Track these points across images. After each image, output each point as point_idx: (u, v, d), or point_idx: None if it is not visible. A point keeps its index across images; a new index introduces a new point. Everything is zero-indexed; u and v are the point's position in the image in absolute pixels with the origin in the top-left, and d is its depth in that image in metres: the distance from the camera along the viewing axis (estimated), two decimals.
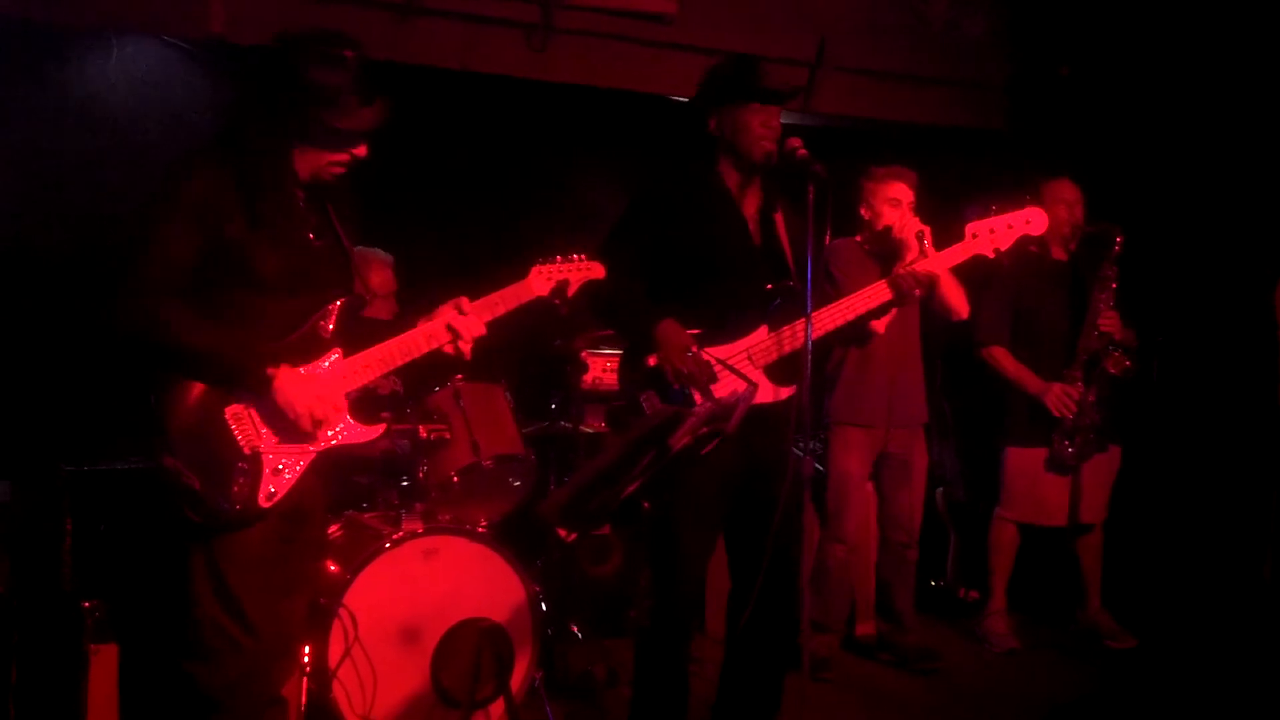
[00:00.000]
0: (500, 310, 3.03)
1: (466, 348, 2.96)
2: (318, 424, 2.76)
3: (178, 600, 2.81)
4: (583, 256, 3.17)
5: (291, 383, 2.72)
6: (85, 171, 4.78)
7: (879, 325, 4.35)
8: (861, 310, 3.49)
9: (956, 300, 4.56)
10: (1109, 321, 4.81)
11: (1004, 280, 5.01)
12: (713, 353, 3.31)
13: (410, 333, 2.92)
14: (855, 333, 4.31)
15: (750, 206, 3.49)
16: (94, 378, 4.09)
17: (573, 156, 5.87)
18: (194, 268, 2.66)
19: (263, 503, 2.74)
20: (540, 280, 3.09)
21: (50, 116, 4.80)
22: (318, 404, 2.75)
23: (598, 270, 3.19)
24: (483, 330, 2.97)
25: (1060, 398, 4.84)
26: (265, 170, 2.73)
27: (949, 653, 4.95)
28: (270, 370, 2.70)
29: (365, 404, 2.95)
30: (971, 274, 4.96)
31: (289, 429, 2.75)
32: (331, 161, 2.80)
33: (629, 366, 3.42)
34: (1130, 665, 4.86)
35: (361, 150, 2.81)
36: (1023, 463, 5.01)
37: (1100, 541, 5.13)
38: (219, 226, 2.66)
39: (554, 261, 3.13)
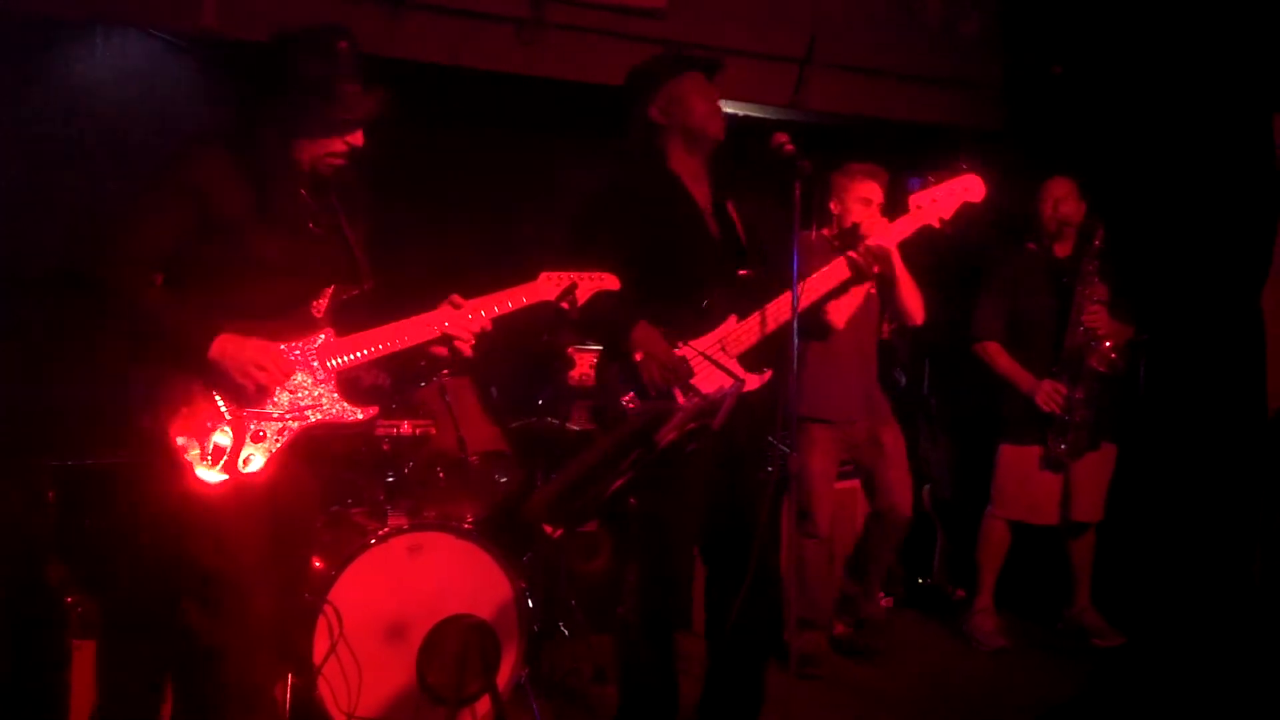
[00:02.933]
0: (503, 310, 3.05)
1: (466, 346, 2.98)
2: (263, 376, 2.77)
3: (170, 573, 2.82)
4: (596, 265, 3.17)
5: (230, 344, 2.73)
6: (74, 165, 4.76)
7: (839, 319, 4.37)
8: (824, 290, 3.58)
9: (913, 304, 4.56)
10: (1093, 317, 4.81)
11: (1002, 278, 5.04)
12: (695, 346, 3.33)
13: (403, 321, 2.96)
14: (816, 323, 4.35)
15: (703, 195, 3.50)
16: (80, 372, 4.08)
17: (563, 151, 5.86)
18: (181, 247, 2.72)
19: (241, 468, 2.76)
20: (549, 286, 3.10)
21: (38, 110, 4.77)
22: (259, 360, 2.76)
23: (611, 281, 3.17)
24: (488, 325, 3.00)
25: (1050, 394, 4.84)
26: (267, 162, 2.80)
27: (936, 651, 4.95)
28: (209, 339, 2.71)
29: (349, 390, 2.96)
30: (970, 271, 5.01)
31: (242, 394, 2.77)
32: (329, 153, 2.84)
33: (607, 367, 3.42)
34: (1118, 664, 4.86)
35: (358, 139, 2.85)
36: (1015, 460, 5.01)
37: (1092, 540, 5.12)
38: (218, 208, 2.72)
39: (563, 269, 3.13)
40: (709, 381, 3.30)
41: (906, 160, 4.67)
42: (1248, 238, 5.12)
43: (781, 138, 3.28)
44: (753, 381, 3.40)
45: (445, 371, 4.14)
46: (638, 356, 3.28)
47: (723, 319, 3.41)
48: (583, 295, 3.13)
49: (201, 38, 4.85)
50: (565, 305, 3.12)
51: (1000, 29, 6.23)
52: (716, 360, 3.31)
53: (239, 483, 2.75)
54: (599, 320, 3.34)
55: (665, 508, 3.35)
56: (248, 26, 4.59)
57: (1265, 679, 4.38)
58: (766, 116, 5.87)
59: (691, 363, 3.33)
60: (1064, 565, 5.17)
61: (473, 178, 5.69)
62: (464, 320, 2.97)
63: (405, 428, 4.02)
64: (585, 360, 4.99)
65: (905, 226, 3.65)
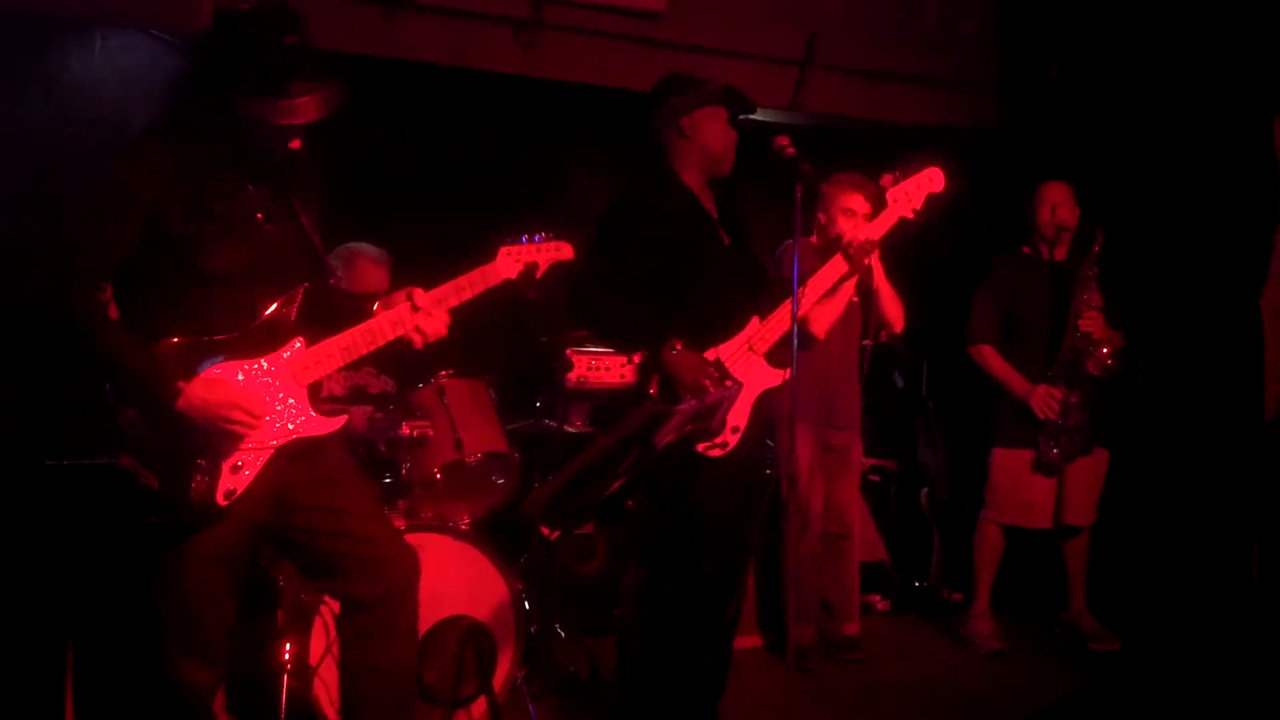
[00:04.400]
0: (467, 295, 2.95)
1: (418, 339, 2.87)
2: (239, 415, 2.64)
3: (145, 601, 2.79)
4: (549, 235, 3.11)
5: (198, 390, 2.61)
6: (71, 165, 4.74)
7: (819, 329, 4.40)
8: (830, 284, 3.80)
9: (893, 313, 4.58)
10: (1090, 322, 4.80)
11: (997, 281, 5.03)
12: (717, 351, 3.46)
13: (372, 320, 2.84)
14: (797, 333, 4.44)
15: (711, 206, 3.62)
16: (74, 371, 4.06)
17: (561, 153, 5.85)
18: (133, 260, 2.61)
19: (221, 501, 2.68)
20: (508, 262, 3.02)
21: (36, 110, 4.76)
22: (232, 400, 2.63)
23: (567, 251, 3.15)
24: (443, 327, 2.89)
25: (1045, 399, 4.84)
26: (208, 155, 2.67)
27: (932, 654, 4.94)
28: (179, 384, 2.59)
29: (352, 400, 2.92)
30: (967, 274, 5.00)
31: (214, 436, 2.65)
32: (265, 151, 2.71)
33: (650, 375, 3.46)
34: (1114, 667, 4.86)
35: (295, 144, 2.71)
36: (1009, 464, 5.00)
37: (1086, 544, 5.12)
38: (164, 220, 2.60)
39: (520, 242, 3.05)
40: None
41: (907, 161, 4.66)
42: (1247, 241, 5.12)
43: (783, 140, 3.32)
44: (775, 378, 3.55)
45: (443, 372, 4.13)
46: (668, 360, 3.35)
47: (747, 321, 3.54)
48: (542, 269, 3.08)
49: (198, 38, 4.82)
50: (525, 285, 3.05)
51: (999, 29, 6.23)
52: (726, 370, 3.41)
53: (211, 513, 2.69)
54: (628, 331, 3.47)
55: (700, 510, 3.41)
56: None
57: (1262, 682, 4.38)
58: (766, 119, 5.87)
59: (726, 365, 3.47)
60: (1059, 569, 5.17)
61: (470, 178, 5.67)
62: (423, 320, 2.86)
63: (403, 429, 4.01)
64: (583, 362, 4.97)
65: (888, 219, 3.83)
